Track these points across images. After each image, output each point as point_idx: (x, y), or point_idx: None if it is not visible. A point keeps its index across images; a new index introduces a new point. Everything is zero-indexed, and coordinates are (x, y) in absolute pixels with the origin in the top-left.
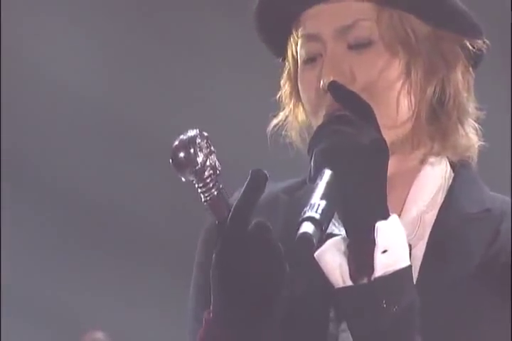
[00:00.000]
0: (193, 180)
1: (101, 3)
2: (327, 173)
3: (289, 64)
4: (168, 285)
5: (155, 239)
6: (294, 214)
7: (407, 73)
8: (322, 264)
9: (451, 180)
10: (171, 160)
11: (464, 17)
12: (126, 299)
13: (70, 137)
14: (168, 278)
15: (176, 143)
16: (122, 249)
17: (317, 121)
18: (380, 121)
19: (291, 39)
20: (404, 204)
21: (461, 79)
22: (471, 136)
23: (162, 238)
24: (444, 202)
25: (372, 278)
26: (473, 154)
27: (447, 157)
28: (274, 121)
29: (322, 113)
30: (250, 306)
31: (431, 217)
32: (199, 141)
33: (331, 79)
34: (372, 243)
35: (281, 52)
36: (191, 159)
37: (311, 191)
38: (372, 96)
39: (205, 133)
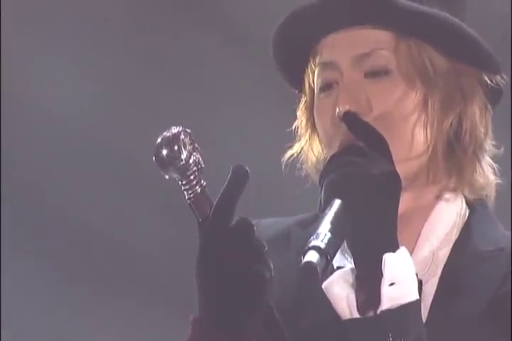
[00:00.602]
0: (176, 177)
1: (101, 39)
2: (336, 203)
3: (305, 94)
4: (167, 325)
5: (154, 276)
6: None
7: (424, 105)
8: (330, 295)
9: (466, 218)
10: (154, 158)
11: (484, 51)
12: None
13: (70, 172)
14: (167, 317)
15: (159, 140)
16: (121, 288)
17: (331, 151)
18: (394, 154)
19: (309, 68)
20: (417, 241)
21: (479, 115)
22: (488, 174)
23: (163, 276)
24: (458, 239)
25: (379, 311)
26: (490, 193)
27: (463, 194)
28: (289, 153)
29: (336, 143)
30: (234, 305)
31: (444, 254)
32: (183, 137)
33: (347, 107)
34: (380, 275)
35: (298, 83)
36: (175, 156)
37: (320, 220)
38: (387, 126)
39: (189, 130)
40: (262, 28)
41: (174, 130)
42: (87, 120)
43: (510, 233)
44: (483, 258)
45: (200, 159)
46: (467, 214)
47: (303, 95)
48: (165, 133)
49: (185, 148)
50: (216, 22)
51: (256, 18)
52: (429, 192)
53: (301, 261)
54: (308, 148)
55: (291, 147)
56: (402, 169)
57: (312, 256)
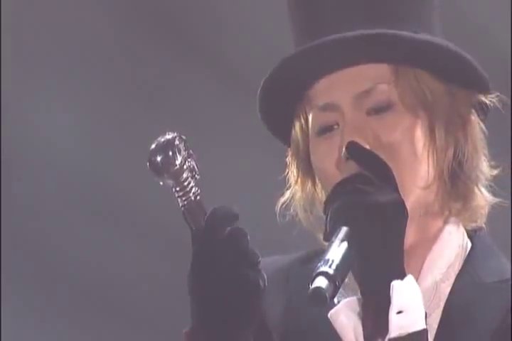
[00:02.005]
0: (170, 184)
1: (95, 74)
2: (343, 230)
3: (296, 140)
4: None
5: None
6: (304, 284)
7: (431, 134)
8: (336, 325)
9: (468, 249)
10: (148, 164)
11: (477, 71)
12: None
13: (66, 212)
14: None
15: (154, 146)
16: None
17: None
18: (403, 185)
19: (301, 113)
20: (420, 273)
21: (478, 137)
22: (485, 194)
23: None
24: (460, 271)
25: (387, 340)
26: (484, 215)
27: (464, 226)
28: (282, 200)
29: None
30: (228, 314)
31: (447, 286)
32: (177, 143)
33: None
34: (388, 303)
35: (283, 132)
36: (169, 162)
37: (327, 247)
38: (396, 158)
39: (183, 137)
40: (257, 68)
41: (169, 136)
42: (82, 155)
43: None
44: (486, 290)
45: (195, 166)
46: (469, 247)
47: (292, 142)
48: (159, 139)
49: (179, 153)
50: (211, 61)
51: (253, 58)
52: (434, 223)
53: (309, 287)
54: (301, 193)
55: (282, 194)
56: (410, 200)
57: (321, 282)
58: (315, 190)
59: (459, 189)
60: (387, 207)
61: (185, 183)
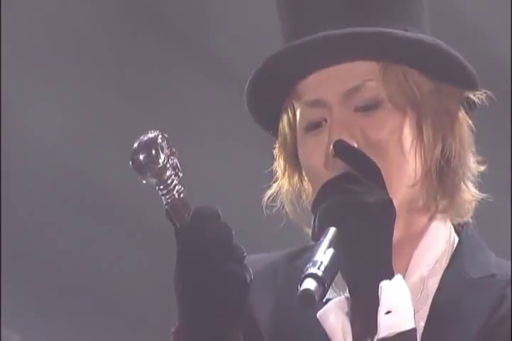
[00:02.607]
0: (153, 182)
1: (86, 74)
2: (331, 231)
3: (283, 133)
4: None
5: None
6: (292, 282)
7: (418, 132)
8: (325, 325)
9: (455, 245)
10: (130, 163)
11: (466, 68)
12: None
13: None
14: None
15: (136, 144)
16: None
17: (318, 188)
18: (390, 182)
19: (289, 107)
20: (407, 269)
21: (466, 134)
22: (472, 189)
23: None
24: (447, 267)
25: (375, 340)
26: (471, 210)
27: (451, 221)
28: (269, 193)
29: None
30: (216, 310)
31: (434, 282)
32: (160, 141)
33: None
34: (377, 303)
35: (272, 125)
36: (152, 160)
37: (315, 248)
38: (383, 156)
39: (166, 135)
40: (246, 64)
41: (151, 134)
42: (74, 156)
43: (503, 260)
44: (473, 286)
45: (178, 164)
46: (456, 242)
47: (279, 135)
48: (142, 138)
49: (162, 151)
50: (201, 58)
51: (243, 56)
52: (421, 219)
53: (298, 289)
54: (288, 187)
55: (269, 187)
56: (397, 197)
57: (309, 284)
58: (302, 183)
59: (446, 186)
60: (376, 207)
61: (169, 181)
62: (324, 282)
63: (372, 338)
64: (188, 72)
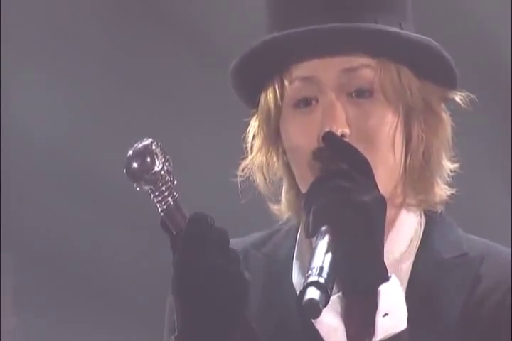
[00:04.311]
0: (148, 189)
1: (79, 60)
2: (327, 232)
3: (267, 108)
4: None
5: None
6: (265, 272)
7: (407, 129)
8: (318, 326)
9: (424, 226)
10: (125, 171)
11: (453, 69)
12: None
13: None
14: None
15: (130, 152)
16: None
17: (305, 171)
18: (378, 175)
19: (277, 82)
20: None
21: (448, 134)
22: (444, 186)
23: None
24: (419, 249)
25: None
26: (443, 202)
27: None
28: (243, 164)
29: (316, 166)
30: (218, 312)
31: (407, 268)
32: (154, 148)
33: (330, 129)
34: (374, 305)
35: (254, 98)
36: (147, 167)
37: (312, 251)
38: (371, 149)
39: (159, 142)
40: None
41: (145, 142)
42: (72, 144)
43: (474, 237)
44: (446, 267)
45: (171, 170)
46: (424, 223)
47: (262, 109)
48: (135, 145)
49: (157, 158)
50: (196, 43)
51: (238, 40)
52: (392, 208)
53: (301, 297)
54: (261, 162)
55: (244, 159)
56: (383, 192)
57: (313, 293)
58: (277, 159)
59: (424, 183)
60: (371, 206)
61: (163, 188)
62: (327, 289)
63: (369, 340)
64: (184, 59)
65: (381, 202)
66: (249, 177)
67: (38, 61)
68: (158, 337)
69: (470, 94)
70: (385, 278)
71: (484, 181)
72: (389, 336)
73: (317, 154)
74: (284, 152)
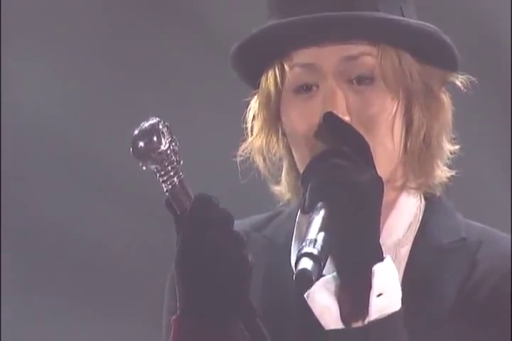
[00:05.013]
0: (154, 168)
1: (80, 42)
2: (322, 208)
3: (267, 92)
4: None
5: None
6: (265, 254)
7: (408, 114)
8: (312, 305)
9: (423, 210)
10: (131, 148)
11: (453, 51)
12: None
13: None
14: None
15: (137, 131)
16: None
17: (304, 153)
18: (377, 159)
19: (277, 66)
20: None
21: (449, 119)
22: (444, 169)
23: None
24: (417, 233)
25: (367, 322)
26: (442, 185)
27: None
28: (244, 145)
29: (317, 147)
30: (222, 294)
31: (405, 251)
32: (161, 127)
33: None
34: (368, 285)
35: (254, 79)
36: (153, 146)
37: (308, 225)
38: (373, 133)
39: (166, 122)
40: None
41: (152, 121)
42: (68, 125)
43: (473, 222)
44: (444, 252)
45: (177, 150)
46: (424, 208)
47: (262, 92)
48: (142, 124)
49: (164, 138)
50: (197, 27)
51: (239, 21)
52: (392, 192)
53: (294, 268)
54: (261, 145)
55: (244, 141)
56: (381, 175)
57: (306, 263)
58: (277, 143)
59: (424, 166)
60: (367, 186)
61: (169, 168)
62: (320, 261)
63: (363, 320)
64: (186, 40)
65: (377, 183)
66: (249, 158)
67: (37, 45)
68: (158, 318)
69: (470, 77)
70: (380, 258)
71: (484, 166)
72: (383, 316)
73: (317, 134)
74: (284, 134)
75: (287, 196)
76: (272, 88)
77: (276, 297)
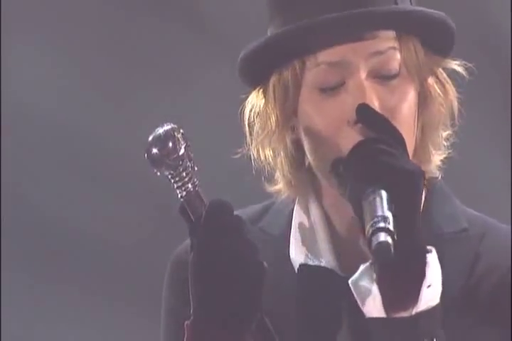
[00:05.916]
0: (168, 174)
1: (80, 36)
2: (381, 190)
3: (284, 90)
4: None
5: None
6: (262, 246)
7: (424, 103)
8: (356, 292)
9: (424, 198)
10: (145, 154)
11: (453, 37)
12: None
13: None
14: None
15: (151, 137)
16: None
17: (325, 153)
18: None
19: (298, 65)
20: None
21: (454, 106)
22: (441, 153)
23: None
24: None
25: (414, 312)
26: (440, 167)
27: None
28: (247, 141)
29: (344, 145)
30: (231, 304)
31: None
32: (176, 134)
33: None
34: (422, 275)
35: (258, 79)
36: (168, 152)
37: (373, 204)
38: (400, 124)
39: (181, 129)
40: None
41: (167, 127)
42: (68, 113)
43: (473, 212)
44: (447, 241)
45: (192, 157)
46: (424, 195)
47: (278, 90)
48: (157, 130)
49: (178, 144)
50: (198, 20)
51: (240, 18)
52: None
53: (370, 243)
54: (274, 138)
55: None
56: None
57: (384, 237)
58: (287, 137)
59: (423, 152)
60: (417, 175)
61: (184, 174)
62: (393, 236)
63: (407, 311)
64: (187, 32)
65: (422, 173)
66: (249, 154)
67: (37, 44)
68: (155, 311)
69: (467, 63)
70: (429, 249)
71: (483, 153)
72: (427, 308)
73: (351, 126)
74: (293, 130)
75: (285, 193)
76: (291, 86)
77: (276, 290)
